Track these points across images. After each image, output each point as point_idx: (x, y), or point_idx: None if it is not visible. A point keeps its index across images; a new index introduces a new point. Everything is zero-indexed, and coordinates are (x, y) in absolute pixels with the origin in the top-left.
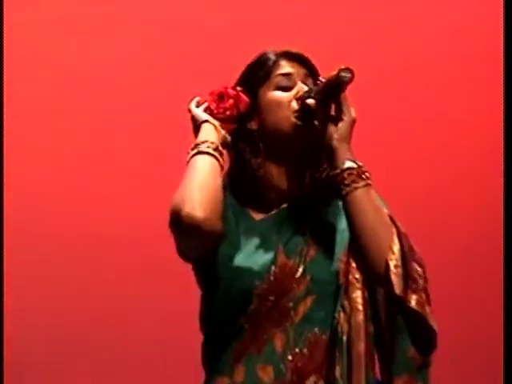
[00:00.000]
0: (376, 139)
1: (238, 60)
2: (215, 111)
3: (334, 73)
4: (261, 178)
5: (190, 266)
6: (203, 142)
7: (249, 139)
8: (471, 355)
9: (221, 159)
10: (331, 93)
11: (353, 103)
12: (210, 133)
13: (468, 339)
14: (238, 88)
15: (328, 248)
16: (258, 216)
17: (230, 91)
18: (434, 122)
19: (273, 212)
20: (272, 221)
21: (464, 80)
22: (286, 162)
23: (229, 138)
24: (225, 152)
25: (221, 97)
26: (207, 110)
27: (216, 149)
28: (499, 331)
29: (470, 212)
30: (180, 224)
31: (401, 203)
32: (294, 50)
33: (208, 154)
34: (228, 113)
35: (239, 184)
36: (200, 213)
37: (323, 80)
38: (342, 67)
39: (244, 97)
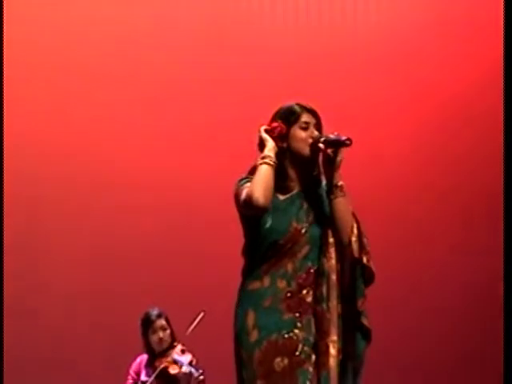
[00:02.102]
0: None
1: None
2: (270, 134)
3: (343, 138)
4: (285, 175)
5: None
6: (267, 157)
7: (281, 153)
8: None
9: (274, 165)
10: (334, 145)
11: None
12: (271, 150)
13: None
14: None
15: (320, 217)
16: (282, 197)
17: (275, 124)
18: None
19: (289, 195)
20: (289, 200)
21: None
22: (298, 167)
23: (276, 149)
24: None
25: (272, 128)
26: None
27: (273, 160)
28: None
29: None
30: (251, 205)
31: None
32: (309, 105)
33: (269, 164)
34: (276, 134)
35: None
36: (262, 200)
37: (332, 136)
38: (348, 139)
39: (283, 125)
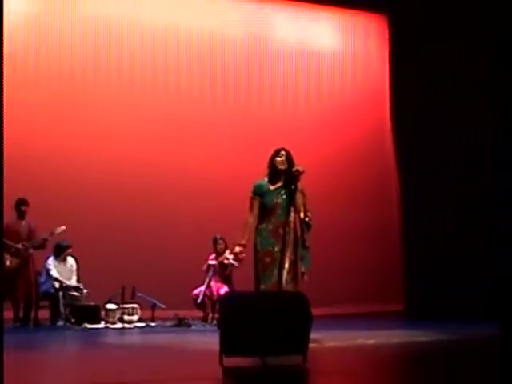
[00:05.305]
0: None
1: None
2: None
3: (302, 170)
4: (274, 176)
5: None
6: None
7: (273, 167)
8: None
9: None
10: (298, 172)
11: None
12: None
13: None
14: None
15: (287, 197)
16: (272, 187)
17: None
18: None
19: (275, 187)
20: (275, 189)
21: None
22: (279, 174)
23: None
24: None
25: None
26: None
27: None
28: None
29: None
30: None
31: None
32: (283, 148)
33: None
34: None
35: (269, 178)
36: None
37: (298, 167)
38: (303, 170)
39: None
